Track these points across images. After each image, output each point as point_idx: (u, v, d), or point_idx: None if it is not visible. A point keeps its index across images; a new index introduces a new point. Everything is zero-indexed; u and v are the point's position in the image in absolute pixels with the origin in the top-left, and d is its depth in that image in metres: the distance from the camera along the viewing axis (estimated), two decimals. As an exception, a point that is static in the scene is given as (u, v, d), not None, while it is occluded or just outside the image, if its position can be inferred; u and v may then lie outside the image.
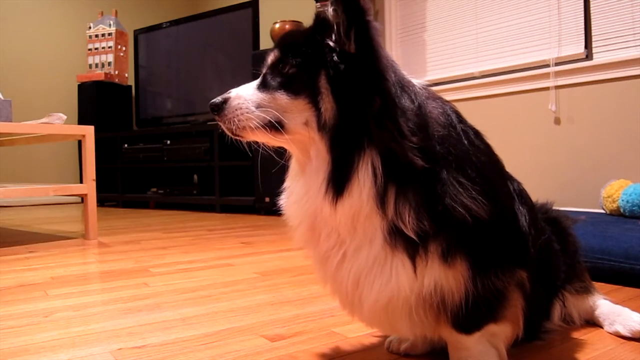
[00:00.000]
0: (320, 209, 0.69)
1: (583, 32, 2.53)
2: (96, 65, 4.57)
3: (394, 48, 3.46)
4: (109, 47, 4.52)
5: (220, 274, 1.58)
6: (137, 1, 5.20)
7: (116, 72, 4.58)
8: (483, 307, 0.70)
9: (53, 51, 4.70)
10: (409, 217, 0.64)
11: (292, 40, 0.73)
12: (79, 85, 4.58)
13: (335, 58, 0.67)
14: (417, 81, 0.75)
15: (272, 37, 3.66)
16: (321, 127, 0.67)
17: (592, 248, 1.42)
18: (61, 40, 4.76)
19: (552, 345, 0.91)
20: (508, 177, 0.82)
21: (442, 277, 0.67)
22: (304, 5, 3.79)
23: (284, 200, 0.79)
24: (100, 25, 4.55)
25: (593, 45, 2.49)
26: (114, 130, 4.50)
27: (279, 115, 0.70)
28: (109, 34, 4.50)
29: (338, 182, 0.66)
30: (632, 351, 0.89)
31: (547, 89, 2.64)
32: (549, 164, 2.61)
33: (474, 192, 0.66)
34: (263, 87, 0.73)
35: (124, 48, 4.63)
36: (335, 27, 0.67)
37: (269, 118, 0.70)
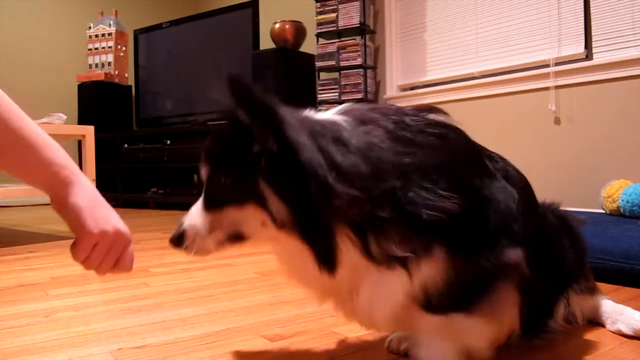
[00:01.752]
0: (322, 279, 0.69)
1: (583, 32, 2.53)
2: (96, 65, 4.57)
3: (394, 48, 3.46)
4: (109, 47, 4.52)
5: (220, 274, 1.58)
6: (137, 1, 5.20)
7: (116, 72, 4.58)
8: (457, 291, 0.69)
9: (53, 51, 4.70)
10: (396, 247, 0.66)
11: (218, 151, 0.73)
12: (79, 85, 4.57)
13: (264, 162, 0.66)
14: (343, 118, 0.72)
15: (272, 37, 3.66)
16: (280, 226, 0.67)
17: (592, 248, 1.41)
18: (61, 40, 4.76)
19: (554, 345, 0.91)
20: (487, 157, 0.80)
21: (427, 272, 0.68)
22: (304, 5, 3.79)
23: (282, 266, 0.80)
24: (100, 25, 4.55)
25: (593, 45, 2.50)
26: (114, 130, 4.50)
27: (234, 229, 0.71)
28: (109, 34, 4.50)
29: (327, 261, 0.67)
30: (633, 351, 0.89)
31: (547, 89, 2.64)
32: (549, 164, 2.61)
33: (440, 191, 0.67)
34: (209, 206, 0.73)
35: (124, 48, 4.63)
36: (254, 131, 0.66)
37: (223, 235, 0.72)
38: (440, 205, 0.66)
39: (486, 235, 0.70)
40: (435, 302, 0.70)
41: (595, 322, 1.03)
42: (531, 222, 0.79)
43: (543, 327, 0.91)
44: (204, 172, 0.74)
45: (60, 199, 0.71)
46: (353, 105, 0.77)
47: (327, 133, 0.68)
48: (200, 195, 0.73)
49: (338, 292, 0.74)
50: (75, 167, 0.74)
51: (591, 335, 0.97)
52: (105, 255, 0.74)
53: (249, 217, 0.69)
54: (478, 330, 0.72)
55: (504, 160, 0.84)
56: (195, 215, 0.74)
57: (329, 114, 0.75)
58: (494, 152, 0.84)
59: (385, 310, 0.71)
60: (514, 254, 0.71)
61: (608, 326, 1.00)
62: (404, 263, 0.67)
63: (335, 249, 0.66)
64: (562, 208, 1.06)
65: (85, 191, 0.73)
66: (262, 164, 0.66)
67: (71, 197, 0.71)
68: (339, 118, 0.73)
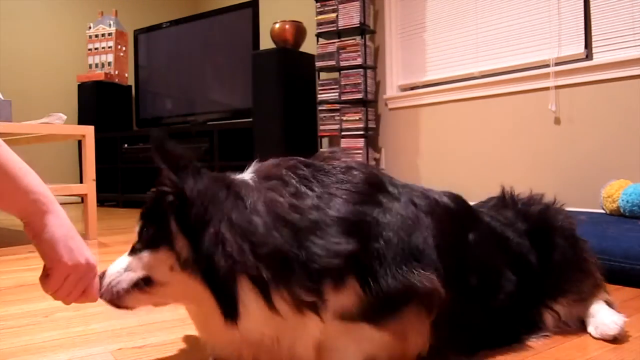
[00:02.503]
0: (231, 334, 0.72)
1: (583, 32, 2.53)
2: (96, 65, 4.57)
3: (394, 48, 3.46)
4: (109, 47, 4.52)
5: (220, 274, 1.57)
6: (137, 1, 5.19)
7: (116, 72, 4.58)
8: (366, 311, 0.75)
9: (53, 51, 4.70)
10: (302, 294, 0.70)
11: (148, 208, 0.80)
12: (79, 85, 4.57)
13: (172, 199, 0.74)
14: (251, 176, 0.81)
15: (272, 37, 3.66)
16: (183, 265, 0.72)
17: (592, 248, 1.42)
18: (61, 40, 4.76)
19: (550, 347, 0.91)
20: (391, 185, 0.86)
21: (338, 303, 0.74)
22: (304, 5, 3.79)
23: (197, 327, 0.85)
24: (100, 25, 4.55)
25: (593, 45, 2.50)
26: (114, 130, 4.50)
27: (146, 272, 0.77)
28: (109, 34, 4.50)
29: (229, 310, 0.70)
30: (633, 351, 0.89)
31: (547, 89, 2.64)
32: (549, 164, 2.61)
33: (334, 239, 0.73)
34: (132, 252, 0.79)
35: (124, 48, 4.63)
36: (168, 176, 0.74)
37: (137, 276, 0.77)
38: (335, 249, 0.72)
39: (389, 265, 0.75)
40: (346, 317, 0.75)
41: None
42: (449, 244, 0.83)
43: (510, 339, 0.90)
44: (137, 228, 0.80)
45: (36, 227, 0.72)
46: (263, 163, 0.84)
47: (231, 192, 0.75)
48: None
49: (258, 342, 0.75)
50: (51, 195, 0.75)
51: (587, 337, 0.97)
52: (74, 287, 0.75)
53: (160, 261, 0.75)
54: (381, 340, 0.77)
55: (410, 187, 0.89)
56: (118, 261, 0.80)
57: (243, 175, 0.82)
58: (398, 182, 0.87)
59: (308, 350, 0.75)
60: (424, 281, 0.75)
61: (588, 328, 0.98)
62: (313, 307, 0.71)
63: (236, 298, 0.69)
64: (554, 210, 1.04)
65: (60, 221, 0.74)
66: (172, 202, 0.74)
67: (48, 227, 0.72)
68: (247, 177, 0.81)
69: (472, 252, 0.89)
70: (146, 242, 0.77)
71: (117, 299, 0.78)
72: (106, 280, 0.78)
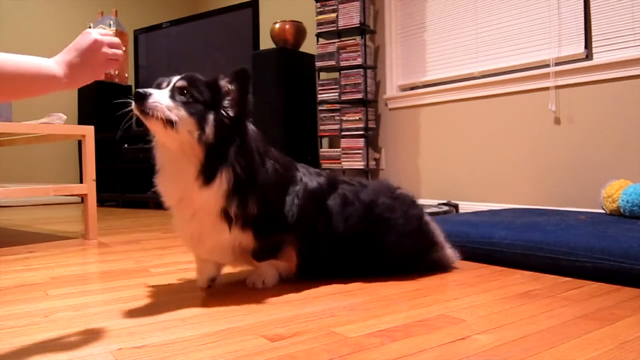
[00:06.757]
0: (190, 189, 1.21)
1: (583, 32, 2.53)
2: (96, 65, 4.57)
3: (394, 48, 3.46)
4: (109, 47, 4.51)
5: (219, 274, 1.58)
6: (137, 1, 5.20)
7: (116, 72, 4.56)
8: (266, 251, 1.36)
9: (53, 51, 4.68)
10: (234, 207, 1.24)
11: (197, 81, 1.26)
12: (79, 85, 4.57)
13: (223, 113, 1.23)
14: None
15: (272, 37, 3.66)
16: (200, 139, 1.19)
17: (592, 248, 1.42)
18: (61, 40, 4.75)
19: (550, 347, 0.91)
20: (293, 182, 1.39)
21: (242, 238, 1.29)
22: (304, 5, 3.80)
23: (158, 180, 1.27)
24: (100, 25, 4.54)
25: (593, 45, 2.50)
26: (114, 130, 4.49)
27: (177, 119, 1.17)
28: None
29: (207, 177, 1.20)
30: (632, 351, 0.89)
31: (547, 89, 2.64)
32: (549, 164, 2.62)
33: (250, 204, 1.26)
34: (172, 99, 1.19)
35: (124, 48, 4.62)
36: (229, 95, 1.25)
37: (171, 117, 1.16)
38: (254, 211, 1.27)
39: (272, 227, 1.33)
40: (258, 257, 1.36)
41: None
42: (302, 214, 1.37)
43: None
44: (179, 82, 1.24)
45: (64, 83, 1.05)
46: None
47: (261, 144, 1.35)
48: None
49: (187, 209, 1.26)
50: (38, 61, 1.04)
51: (589, 336, 0.97)
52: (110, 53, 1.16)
53: (187, 123, 1.18)
54: (281, 265, 1.41)
55: (302, 183, 1.41)
56: (161, 95, 1.18)
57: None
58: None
59: (213, 245, 1.30)
60: (290, 237, 1.36)
61: None
62: (229, 222, 1.25)
63: (218, 174, 1.20)
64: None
65: (60, 65, 1.10)
66: (221, 112, 1.23)
67: (69, 76, 1.08)
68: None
69: (326, 210, 1.43)
70: (186, 103, 1.19)
71: (148, 116, 1.15)
72: (152, 103, 1.14)
